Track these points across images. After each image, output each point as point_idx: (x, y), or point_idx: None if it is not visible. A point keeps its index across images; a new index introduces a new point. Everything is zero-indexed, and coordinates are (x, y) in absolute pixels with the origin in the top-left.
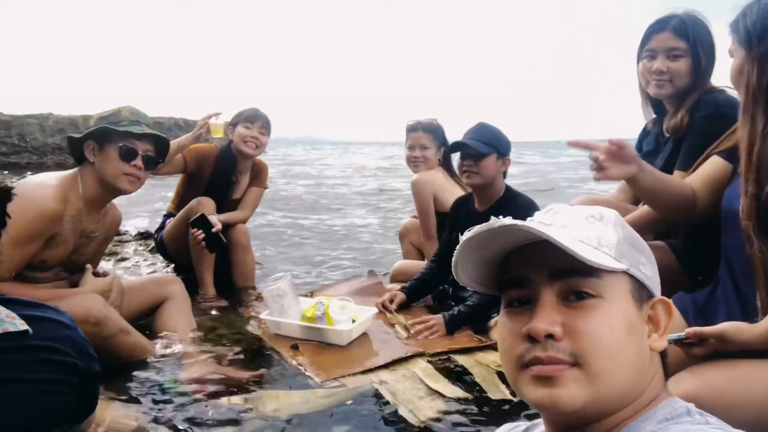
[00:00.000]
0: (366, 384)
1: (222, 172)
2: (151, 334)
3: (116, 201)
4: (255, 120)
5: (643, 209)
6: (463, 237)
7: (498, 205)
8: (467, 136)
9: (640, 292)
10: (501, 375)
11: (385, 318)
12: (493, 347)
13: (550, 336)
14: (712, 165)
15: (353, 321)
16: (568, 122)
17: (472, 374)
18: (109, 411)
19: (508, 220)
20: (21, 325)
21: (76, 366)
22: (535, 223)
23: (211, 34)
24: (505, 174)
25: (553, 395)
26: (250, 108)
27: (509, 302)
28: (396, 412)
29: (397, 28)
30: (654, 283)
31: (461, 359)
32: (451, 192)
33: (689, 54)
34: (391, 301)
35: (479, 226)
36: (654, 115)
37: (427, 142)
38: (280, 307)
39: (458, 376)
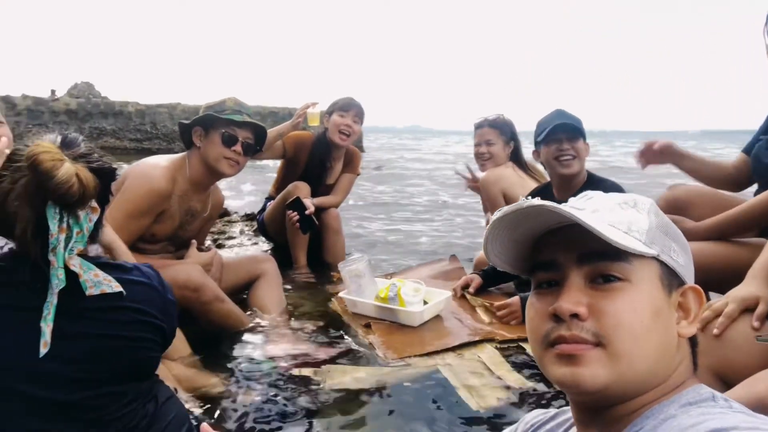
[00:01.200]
0: (431, 365)
1: (317, 158)
2: (245, 307)
3: (223, 185)
4: (349, 109)
5: (738, 209)
6: (494, 216)
7: (581, 192)
8: (558, 119)
9: (671, 278)
10: None
11: (465, 302)
12: None
13: (575, 316)
14: None
15: (425, 303)
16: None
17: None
18: (195, 373)
19: (537, 201)
20: (116, 287)
21: (162, 328)
22: (566, 206)
23: (323, 28)
24: None
25: (575, 373)
26: (345, 97)
27: (538, 284)
28: (456, 395)
29: (506, 18)
30: (686, 270)
31: (530, 348)
32: (523, 186)
33: None
34: (467, 286)
35: (510, 205)
36: None
37: (493, 137)
38: (358, 287)
39: (525, 365)
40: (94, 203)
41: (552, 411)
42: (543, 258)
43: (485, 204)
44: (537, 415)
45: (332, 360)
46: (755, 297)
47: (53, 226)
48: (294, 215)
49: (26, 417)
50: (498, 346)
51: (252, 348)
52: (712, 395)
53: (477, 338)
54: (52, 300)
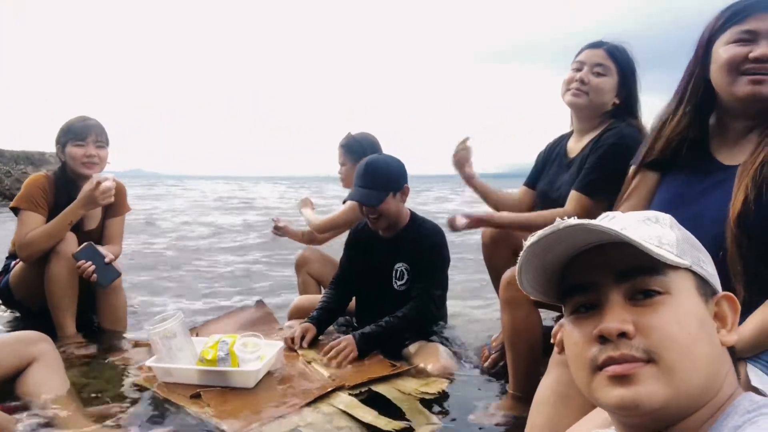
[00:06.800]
0: (291, 428)
1: (63, 202)
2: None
3: None
4: (86, 134)
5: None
6: (528, 242)
7: (405, 232)
8: (357, 183)
9: (705, 288)
10: (424, 401)
11: (296, 356)
12: (409, 373)
13: (623, 335)
14: None
15: (261, 359)
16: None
17: (395, 404)
18: None
19: (574, 221)
20: None
21: None
22: (601, 226)
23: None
24: (405, 199)
25: (632, 393)
26: (76, 119)
27: (575, 308)
28: None
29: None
30: (716, 280)
31: (382, 389)
32: None
33: None
34: (303, 338)
35: (545, 228)
36: None
37: (342, 159)
38: (168, 350)
39: (383, 405)
40: None
41: None
42: (577, 280)
43: None
44: None
45: None
46: None
47: None
48: (88, 266)
49: None
50: (350, 392)
51: None
52: None
53: (327, 389)
54: None
